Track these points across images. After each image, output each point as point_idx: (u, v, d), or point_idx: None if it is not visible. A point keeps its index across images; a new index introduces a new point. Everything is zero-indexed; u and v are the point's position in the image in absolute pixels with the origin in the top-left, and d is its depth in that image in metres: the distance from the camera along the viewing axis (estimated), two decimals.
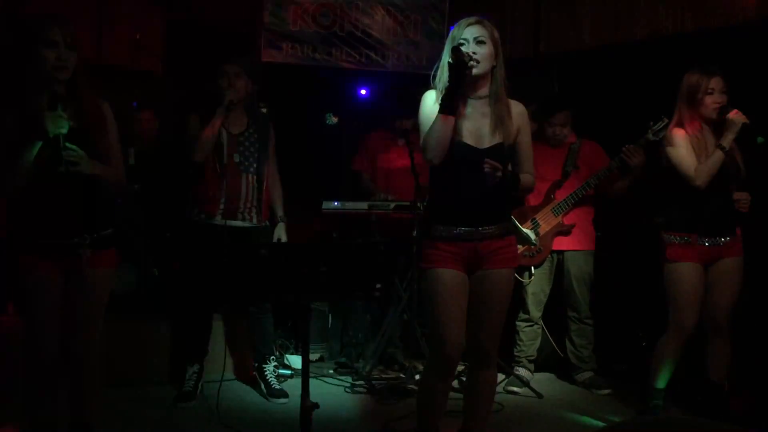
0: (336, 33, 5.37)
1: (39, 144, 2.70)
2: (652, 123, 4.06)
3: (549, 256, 4.54)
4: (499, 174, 2.74)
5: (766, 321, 4.10)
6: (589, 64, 5.22)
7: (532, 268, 4.53)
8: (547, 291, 4.59)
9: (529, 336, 4.59)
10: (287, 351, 4.86)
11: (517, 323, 4.58)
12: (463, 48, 2.77)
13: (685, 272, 3.60)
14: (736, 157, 3.60)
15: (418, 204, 4.37)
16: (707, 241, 3.58)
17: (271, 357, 4.37)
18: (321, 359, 5.02)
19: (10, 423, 3.23)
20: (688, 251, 3.59)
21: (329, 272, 2.38)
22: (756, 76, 4.19)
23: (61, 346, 2.88)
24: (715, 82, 3.53)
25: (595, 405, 4.23)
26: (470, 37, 2.81)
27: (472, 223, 2.86)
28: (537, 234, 4.48)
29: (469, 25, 2.84)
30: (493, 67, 2.86)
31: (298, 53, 5.29)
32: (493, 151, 2.84)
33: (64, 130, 2.70)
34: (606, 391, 4.43)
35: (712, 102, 3.53)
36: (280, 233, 4.28)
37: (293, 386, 4.29)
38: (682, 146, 3.57)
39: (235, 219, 4.10)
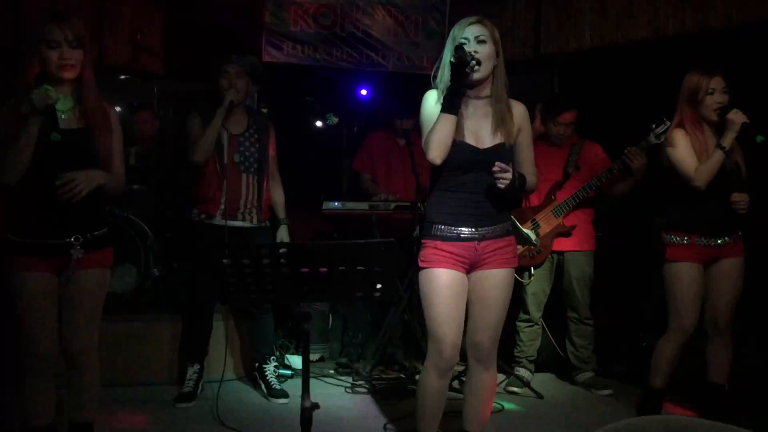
0: (336, 33, 5.38)
1: (34, 122, 2.69)
2: (654, 126, 4.05)
3: (549, 256, 4.53)
4: (509, 176, 2.74)
5: (766, 321, 4.10)
6: (589, 65, 5.22)
7: (532, 268, 4.53)
8: (548, 291, 4.59)
9: (530, 336, 4.59)
10: (287, 351, 4.86)
11: (517, 324, 4.58)
12: (464, 47, 2.77)
13: (684, 272, 3.59)
14: (736, 158, 3.60)
15: (419, 204, 4.37)
16: (707, 242, 3.58)
17: (272, 357, 4.37)
18: (321, 359, 5.02)
19: None
20: (688, 251, 3.59)
21: (330, 272, 2.37)
22: (756, 77, 4.19)
23: (60, 345, 2.88)
24: (716, 82, 3.53)
25: (596, 405, 4.23)
26: (471, 36, 2.81)
27: (472, 224, 2.86)
28: (537, 234, 4.48)
29: (470, 24, 2.84)
30: (494, 67, 2.86)
31: (298, 53, 5.30)
32: (494, 151, 2.84)
33: (53, 98, 2.69)
34: (606, 392, 4.43)
35: (712, 102, 3.53)
36: (283, 236, 4.28)
37: (294, 386, 4.30)
38: (682, 146, 3.56)
39: (236, 219, 4.10)
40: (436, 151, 2.79)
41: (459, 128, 2.82)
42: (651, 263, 3.79)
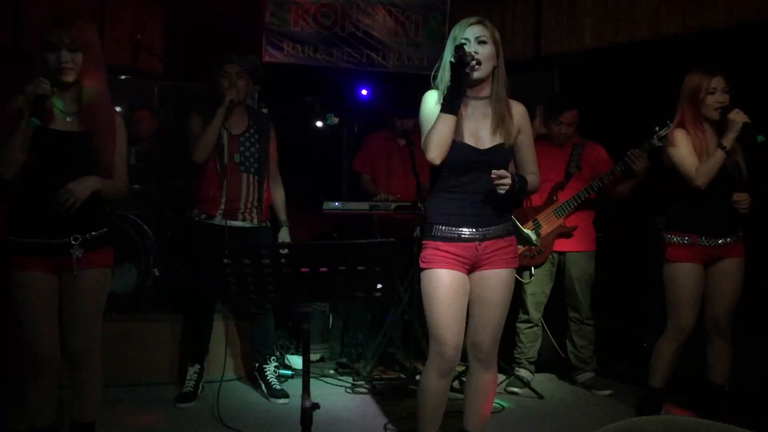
0: (337, 33, 5.38)
1: (27, 115, 2.68)
2: (657, 128, 4.03)
3: (550, 257, 4.53)
4: (508, 181, 2.73)
5: (767, 321, 4.10)
6: (590, 65, 5.22)
7: (533, 268, 4.53)
8: (547, 292, 4.59)
9: (530, 338, 4.59)
10: (288, 351, 4.86)
11: (517, 325, 4.58)
12: (464, 47, 2.77)
13: (685, 272, 3.59)
14: (737, 157, 3.60)
15: (419, 204, 4.37)
16: (708, 242, 3.58)
17: (272, 357, 4.37)
18: (322, 359, 5.02)
19: None
20: (689, 251, 3.59)
21: (330, 273, 2.37)
22: (757, 77, 4.19)
23: (62, 345, 2.88)
24: (717, 82, 3.53)
25: (596, 406, 4.23)
26: (472, 36, 2.81)
27: (472, 224, 2.85)
28: (538, 235, 4.48)
29: (470, 24, 2.83)
30: (494, 68, 2.86)
31: (299, 53, 5.30)
32: (494, 152, 2.84)
33: (46, 90, 2.68)
34: (606, 392, 4.42)
35: (713, 102, 3.53)
36: (284, 237, 4.28)
37: (294, 386, 4.30)
38: (683, 146, 3.56)
39: (236, 219, 4.10)
40: (436, 151, 2.78)
41: (459, 128, 2.82)
42: (651, 263, 3.79)
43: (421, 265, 2.92)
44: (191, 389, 4.11)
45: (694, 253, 3.59)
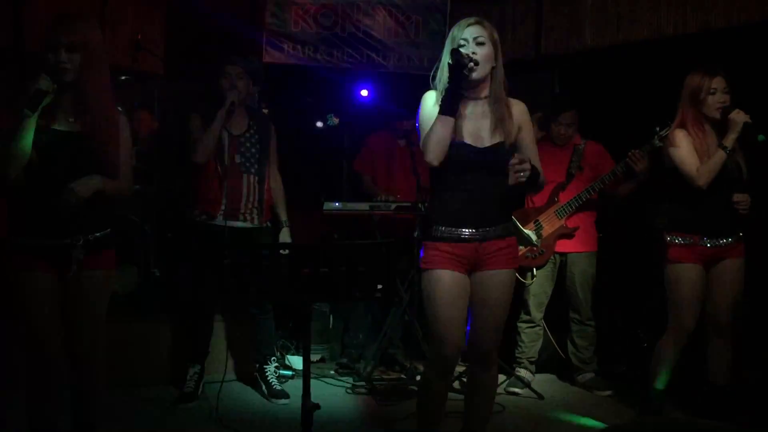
0: (337, 34, 5.38)
1: (27, 113, 2.68)
2: (658, 128, 4.03)
3: (552, 257, 4.53)
4: (527, 166, 2.70)
5: (767, 321, 4.09)
6: (590, 65, 5.22)
7: (534, 269, 4.53)
8: (549, 292, 4.59)
9: (531, 337, 4.59)
10: (288, 352, 4.86)
11: (519, 324, 4.58)
12: (462, 49, 2.77)
13: (686, 273, 3.59)
14: (737, 158, 3.60)
15: (420, 205, 4.37)
16: (709, 242, 3.58)
17: (272, 358, 4.37)
18: (322, 360, 5.02)
19: None
20: (690, 252, 3.59)
21: (330, 273, 2.37)
22: (757, 77, 4.19)
23: (65, 347, 2.88)
24: (717, 82, 3.53)
25: (596, 406, 4.22)
26: (470, 37, 2.81)
27: (473, 224, 2.85)
28: (539, 235, 4.48)
29: (469, 25, 2.83)
30: (493, 68, 2.86)
31: (299, 54, 5.29)
32: (494, 151, 2.84)
33: (46, 87, 2.68)
34: (607, 393, 4.42)
35: (714, 102, 3.53)
36: (285, 238, 4.28)
37: (294, 387, 4.29)
38: (684, 147, 3.56)
39: (237, 219, 4.10)
40: (434, 152, 2.78)
41: (458, 128, 2.82)
42: (652, 264, 3.79)
43: (422, 265, 2.92)
44: (192, 389, 4.11)
45: (695, 254, 3.58)
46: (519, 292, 4.39)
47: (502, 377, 4.28)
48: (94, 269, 2.88)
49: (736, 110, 3.47)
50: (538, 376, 4.64)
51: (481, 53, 2.80)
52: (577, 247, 4.53)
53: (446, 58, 2.80)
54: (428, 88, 2.94)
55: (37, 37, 2.93)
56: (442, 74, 2.85)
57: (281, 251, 2.50)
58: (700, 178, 3.49)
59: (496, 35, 2.87)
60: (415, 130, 3.06)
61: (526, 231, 4.43)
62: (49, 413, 2.90)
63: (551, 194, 4.51)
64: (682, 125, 3.61)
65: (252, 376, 4.43)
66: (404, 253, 4.59)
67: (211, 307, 4.27)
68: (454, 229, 2.85)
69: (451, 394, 3.09)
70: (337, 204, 4.66)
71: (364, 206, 4.69)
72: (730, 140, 3.47)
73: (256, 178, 4.16)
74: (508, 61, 2.92)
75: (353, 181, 5.29)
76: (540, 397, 4.33)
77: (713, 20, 4.47)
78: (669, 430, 1.61)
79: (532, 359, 4.60)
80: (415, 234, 4.30)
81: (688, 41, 4.58)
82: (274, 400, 4.17)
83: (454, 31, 2.86)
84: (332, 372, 4.76)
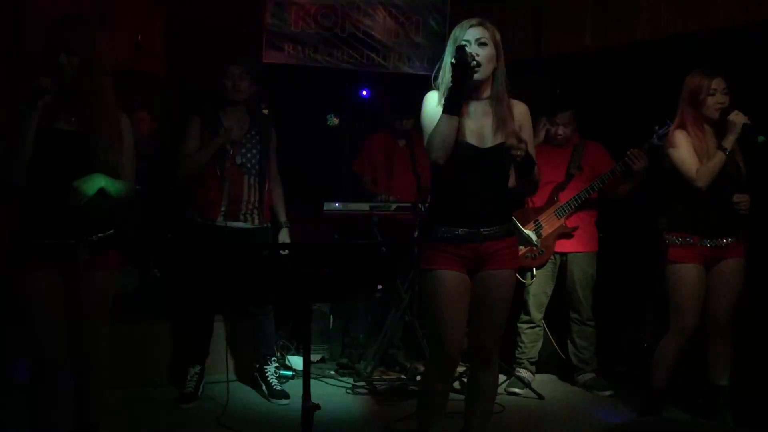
0: (337, 34, 5.38)
1: (31, 113, 2.68)
2: (657, 127, 4.03)
3: (552, 257, 4.53)
4: (524, 146, 2.72)
5: (767, 321, 4.09)
6: (590, 65, 5.21)
7: (534, 269, 4.53)
8: (549, 292, 4.59)
9: (531, 338, 4.59)
10: (288, 352, 4.86)
11: (519, 325, 4.58)
12: (465, 49, 2.77)
13: (686, 273, 3.60)
14: (737, 158, 3.60)
15: (420, 205, 4.37)
16: (709, 243, 3.58)
17: (273, 358, 4.37)
18: (322, 360, 5.02)
19: None
20: (690, 252, 3.59)
21: (330, 273, 2.37)
22: (757, 77, 4.19)
23: (67, 347, 2.87)
24: (717, 83, 3.53)
25: (597, 406, 4.23)
26: (472, 38, 2.81)
27: (474, 224, 2.85)
28: (539, 235, 4.48)
29: (471, 26, 2.83)
30: (495, 69, 2.86)
31: (299, 54, 5.29)
32: (496, 151, 2.84)
33: (46, 86, 2.68)
34: (607, 393, 4.42)
35: (714, 103, 3.54)
36: (284, 238, 4.28)
37: (294, 387, 4.29)
38: (683, 148, 3.57)
39: (237, 220, 4.10)
40: (439, 152, 2.78)
41: (460, 128, 2.82)
42: (652, 264, 3.79)
43: (423, 265, 2.92)
44: (192, 390, 4.11)
45: (696, 254, 3.59)
46: (519, 292, 4.39)
47: (502, 377, 4.27)
48: (98, 270, 2.88)
49: (735, 111, 3.48)
50: (538, 376, 4.64)
51: (483, 54, 2.80)
52: (577, 247, 4.53)
53: (449, 58, 2.81)
54: (429, 88, 2.94)
55: (37, 37, 2.92)
56: (445, 74, 2.85)
57: (281, 251, 2.50)
58: (699, 180, 3.50)
59: (498, 36, 2.87)
60: (415, 130, 3.07)
61: (526, 231, 4.43)
62: (50, 413, 2.90)
63: (551, 194, 4.51)
64: (682, 126, 3.62)
65: (252, 377, 4.43)
66: (404, 253, 4.59)
67: (211, 307, 4.27)
68: (455, 228, 2.86)
69: (451, 394, 3.10)
70: (337, 204, 4.66)
71: (364, 206, 4.69)
72: (729, 141, 3.48)
73: (257, 179, 4.16)
74: (507, 61, 2.92)
75: (353, 182, 5.29)
76: (540, 397, 4.33)
77: (713, 20, 4.47)
78: (669, 430, 1.61)
79: (533, 360, 4.60)
80: (415, 234, 4.30)
81: (687, 41, 4.58)
82: (274, 400, 4.17)
83: (457, 32, 2.86)
84: (332, 372, 4.75)
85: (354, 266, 2.35)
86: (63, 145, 2.80)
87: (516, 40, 5.46)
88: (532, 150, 2.95)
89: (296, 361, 4.74)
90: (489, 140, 2.86)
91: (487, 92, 2.89)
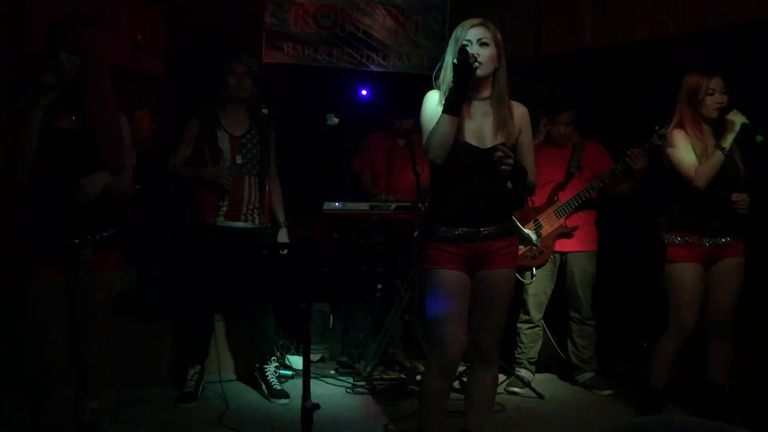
0: (337, 33, 5.38)
1: (34, 110, 2.68)
2: (657, 127, 4.03)
3: (552, 257, 4.54)
4: (510, 162, 2.73)
5: (767, 321, 4.10)
6: (590, 65, 5.22)
7: (534, 268, 4.53)
8: (549, 292, 4.59)
9: (530, 338, 4.59)
10: (288, 351, 4.86)
11: (518, 325, 4.58)
12: (468, 50, 2.77)
13: (685, 272, 3.60)
14: (735, 158, 3.60)
15: (420, 205, 4.37)
16: (708, 242, 3.58)
17: (272, 357, 4.37)
18: (322, 360, 5.02)
19: None
20: (689, 251, 3.59)
21: (330, 273, 2.38)
22: (757, 77, 4.19)
23: (68, 347, 2.88)
24: (716, 83, 3.53)
25: (596, 406, 4.23)
26: (474, 38, 2.81)
27: (473, 224, 2.85)
28: (539, 235, 4.48)
29: (473, 26, 2.83)
30: (496, 69, 2.86)
31: (299, 54, 5.30)
32: (495, 151, 2.84)
33: (48, 81, 2.68)
34: (607, 392, 4.43)
35: (712, 102, 3.54)
36: (283, 238, 4.29)
37: (294, 387, 4.30)
38: (682, 147, 3.57)
39: (237, 220, 4.11)
40: (438, 151, 2.79)
41: (460, 128, 2.82)
42: (652, 263, 3.79)
43: (423, 265, 2.92)
44: (192, 389, 4.11)
45: (695, 253, 3.59)
46: (518, 292, 4.39)
47: (502, 377, 4.28)
48: (100, 270, 2.88)
49: (734, 111, 3.48)
50: (538, 375, 4.65)
51: (484, 54, 2.80)
52: (577, 247, 4.54)
53: (450, 58, 2.81)
54: (429, 88, 2.94)
55: (37, 37, 2.92)
56: (446, 74, 2.85)
57: (281, 251, 2.50)
58: (698, 179, 3.50)
59: (499, 36, 2.88)
60: (414, 130, 3.07)
61: (525, 230, 4.43)
62: (50, 413, 2.90)
63: (551, 194, 4.51)
64: (680, 125, 3.62)
65: (252, 376, 4.44)
66: (404, 253, 4.59)
67: (211, 307, 4.27)
68: (455, 228, 2.86)
69: (451, 394, 3.10)
70: (337, 204, 4.66)
71: (364, 206, 4.69)
72: (727, 141, 3.48)
73: (257, 179, 4.16)
74: (507, 62, 2.92)
75: (353, 181, 5.30)
76: (540, 396, 4.33)
77: (713, 20, 4.47)
78: (669, 430, 1.60)
79: (532, 359, 4.61)
80: (415, 234, 4.30)
81: (687, 41, 4.59)
82: (274, 399, 4.18)
83: (458, 32, 2.86)
84: (332, 372, 4.76)
85: (354, 266, 2.35)
86: (66, 144, 2.81)
87: (516, 40, 5.46)
88: (530, 152, 2.95)
89: (296, 361, 4.74)
90: (489, 140, 2.86)
91: (487, 91, 2.89)
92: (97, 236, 2.86)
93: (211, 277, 4.07)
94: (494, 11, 5.45)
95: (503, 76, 2.88)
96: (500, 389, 4.23)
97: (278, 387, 4.25)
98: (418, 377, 4.29)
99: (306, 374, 2.55)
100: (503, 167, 2.73)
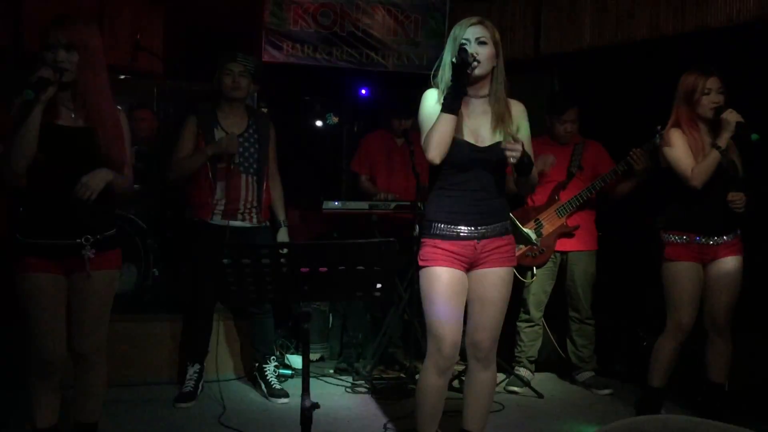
0: (336, 33, 5.38)
1: (36, 105, 2.67)
2: (659, 127, 4.02)
3: (552, 256, 4.54)
4: (519, 147, 2.72)
5: (766, 320, 4.10)
6: (589, 65, 5.22)
7: (534, 268, 4.53)
8: (549, 291, 4.59)
9: (530, 337, 4.59)
10: (288, 351, 4.86)
11: (518, 324, 4.58)
12: (467, 49, 2.77)
13: (683, 271, 3.60)
14: (732, 157, 3.61)
15: (419, 204, 4.37)
16: (705, 240, 3.59)
17: (272, 357, 4.37)
18: (321, 359, 5.02)
19: None
20: (687, 250, 3.60)
21: (330, 273, 2.37)
22: (756, 77, 4.19)
23: (68, 347, 2.88)
24: (712, 82, 3.53)
25: (596, 405, 4.23)
26: (472, 37, 2.82)
27: (472, 222, 2.86)
28: (540, 234, 4.48)
29: (471, 25, 2.84)
30: (494, 68, 2.87)
31: (298, 53, 5.30)
32: (494, 149, 2.85)
33: (48, 75, 2.68)
34: (606, 391, 4.43)
35: (708, 102, 3.54)
36: (283, 237, 4.29)
37: (294, 386, 4.30)
38: (679, 146, 3.57)
39: (236, 219, 4.10)
40: (436, 150, 2.79)
41: (458, 127, 2.83)
42: (651, 262, 3.80)
43: (420, 262, 2.93)
44: (191, 389, 4.11)
45: (692, 252, 3.59)
46: (518, 291, 4.39)
47: (501, 376, 4.29)
48: (101, 269, 2.88)
49: (729, 110, 3.48)
50: (537, 374, 4.65)
51: (482, 53, 2.80)
52: (578, 246, 4.53)
53: (448, 57, 2.81)
54: (428, 88, 2.94)
55: (37, 37, 2.93)
56: (444, 73, 2.85)
57: (280, 251, 2.50)
58: (694, 179, 3.50)
59: (497, 35, 2.88)
60: (413, 129, 3.07)
61: (525, 230, 4.43)
62: (51, 413, 2.90)
63: (551, 193, 4.51)
64: (677, 125, 3.62)
65: (251, 376, 4.44)
66: (404, 253, 4.59)
67: (211, 306, 4.27)
68: (452, 226, 2.86)
69: (450, 393, 3.10)
70: (336, 203, 4.66)
71: (363, 206, 4.69)
72: (723, 140, 3.48)
73: (255, 177, 4.16)
74: (507, 61, 2.93)
75: (352, 181, 5.30)
76: (539, 395, 4.34)
77: (712, 20, 4.48)
78: (668, 429, 1.61)
79: (532, 358, 4.61)
80: (415, 232, 4.30)
81: (686, 40, 4.59)
82: (273, 399, 4.18)
83: (456, 31, 2.86)
84: (332, 371, 4.76)
85: (353, 265, 2.35)
86: (66, 141, 2.81)
87: (516, 40, 5.47)
88: (529, 149, 2.95)
89: (295, 360, 4.75)
90: (487, 139, 2.86)
91: (485, 90, 2.90)
92: (99, 236, 2.86)
93: (210, 275, 4.07)
94: (494, 10, 5.46)
95: (501, 74, 2.88)
96: (500, 388, 4.23)
97: (277, 386, 4.25)
98: (418, 376, 4.29)
99: (305, 373, 2.55)
100: (512, 155, 2.72)
